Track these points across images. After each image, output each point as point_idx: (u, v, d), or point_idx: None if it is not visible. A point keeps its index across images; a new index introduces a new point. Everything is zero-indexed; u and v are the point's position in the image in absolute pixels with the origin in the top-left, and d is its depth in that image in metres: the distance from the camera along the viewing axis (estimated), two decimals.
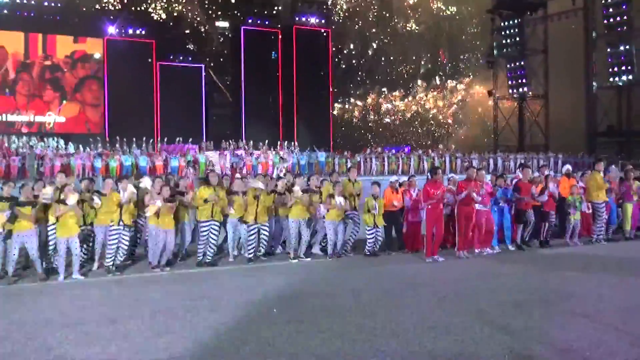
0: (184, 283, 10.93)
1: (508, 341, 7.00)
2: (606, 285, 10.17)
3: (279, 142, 38.93)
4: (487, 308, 8.54)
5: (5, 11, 38.64)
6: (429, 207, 12.72)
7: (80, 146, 32.06)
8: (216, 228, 12.54)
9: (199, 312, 8.49)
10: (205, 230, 12.44)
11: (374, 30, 65.70)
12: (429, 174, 14.26)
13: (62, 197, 11.24)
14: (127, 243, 11.95)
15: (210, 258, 12.51)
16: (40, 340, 7.25)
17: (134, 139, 32.99)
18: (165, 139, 35.94)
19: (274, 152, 34.53)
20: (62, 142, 33.66)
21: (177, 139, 36.05)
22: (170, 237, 12.07)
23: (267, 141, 35.44)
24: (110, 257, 11.73)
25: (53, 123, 39.76)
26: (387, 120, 66.42)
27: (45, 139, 33.94)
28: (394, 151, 39.09)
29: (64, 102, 40.25)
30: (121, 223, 11.76)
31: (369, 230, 13.31)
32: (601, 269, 11.73)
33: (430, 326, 7.60)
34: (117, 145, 32.23)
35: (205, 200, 12.35)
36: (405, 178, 14.97)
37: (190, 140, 36.46)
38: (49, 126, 39.57)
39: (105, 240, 11.89)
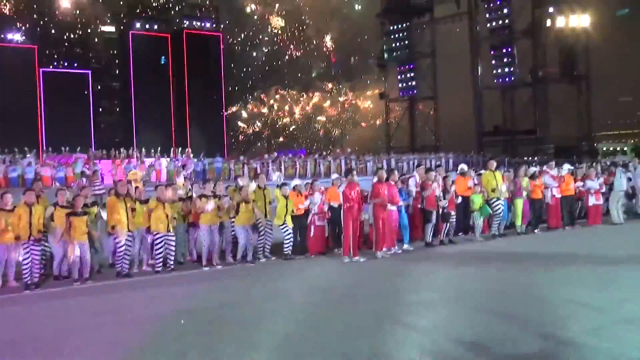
0: (93, 295, 10.46)
1: (419, 339, 7.00)
2: (507, 280, 10.43)
3: (172, 149, 38.03)
4: (395, 308, 8.51)
5: None
6: (347, 207, 12.76)
7: None
8: (130, 239, 12.11)
9: (105, 327, 8.05)
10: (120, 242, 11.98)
11: (263, 34, 65.61)
12: (344, 176, 14.31)
13: None
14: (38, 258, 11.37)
15: (126, 269, 12.07)
16: None
17: (16, 150, 31.33)
18: (50, 149, 34.32)
19: (167, 160, 33.64)
20: None
21: (63, 148, 34.50)
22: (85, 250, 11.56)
23: (159, 148, 34.51)
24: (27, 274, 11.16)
25: None
26: (282, 123, 66.44)
27: None
28: (290, 155, 38.98)
29: None
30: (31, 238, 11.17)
31: (280, 229, 13.27)
32: (501, 264, 12.03)
33: (340, 330, 7.50)
34: (1, 157, 30.48)
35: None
36: (302, 182, 14.92)
37: (79, 149, 34.98)
38: None
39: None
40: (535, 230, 16.72)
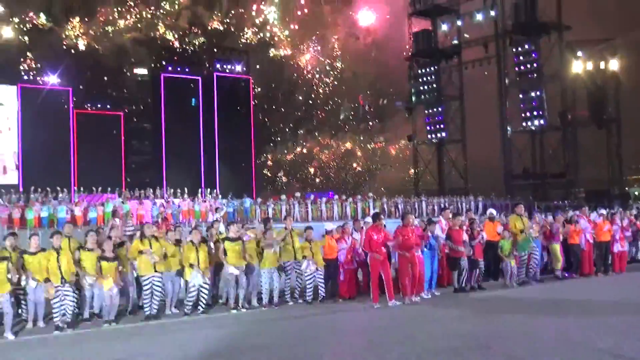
0: (122, 338, 10.47)
1: None
2: (539, 326, 10.25)
3: (200, 190, 38.33)
4: (423, 354, 8.39)
5: None
6: (373, 252, 12.67)
7: None
8: (159, 281, 12.10)
9: None
10: (148, 284, 11.98)
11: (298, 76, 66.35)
12: (371, 219, 14.20)
13: None
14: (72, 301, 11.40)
15: (155, 311, 12.06)
16: None
17: (48, 189, 31.85)
18: (82, 189, 34.80)
19: (196, 201, 33.90)
20: None
21: (95, 188, 34.96)
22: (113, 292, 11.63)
23: (188, 189, 34.84)
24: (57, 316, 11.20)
25: None
26: (310, 164, 66.68)
27: None
28: (318, 197, 38.89)
29: None
30: (64, 282, 11.22)
31: (307, 275, 13.18)
32: (532, 311, 11.84)
33: None
34: (33, 196, 30.95)
35: (141, 252, 11.92)
36: (335, 225, 14.89)
37: (110, 189, 35.42)
38: None
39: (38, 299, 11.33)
40: (569, 275, 16.49)
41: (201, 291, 12.35)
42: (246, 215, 32.85)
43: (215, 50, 51.92)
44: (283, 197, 35.98)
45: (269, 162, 63.57)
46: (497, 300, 13.40)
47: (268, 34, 63.06)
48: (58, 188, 32.46)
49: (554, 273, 16.26)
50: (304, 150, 66.44)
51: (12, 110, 39.22)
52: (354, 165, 68.42)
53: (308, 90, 66.77)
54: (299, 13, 64.91)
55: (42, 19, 48.65)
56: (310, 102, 67.01)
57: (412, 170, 56.91)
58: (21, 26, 45.33)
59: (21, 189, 35.02)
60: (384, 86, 67.77)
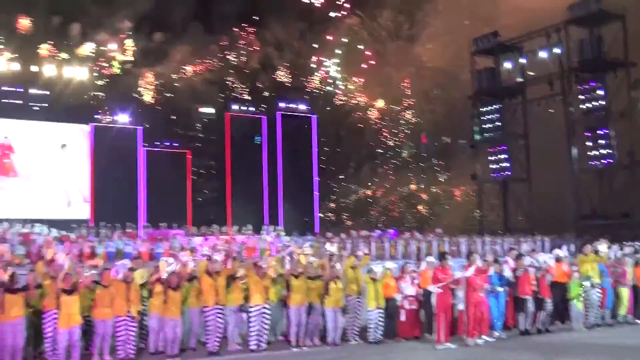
0: None
1: None
2: None
3: (263, 227, 38.79)
4: None
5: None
6: (440, 292, 12.63)
7: (65, 232, 31.68)
8: (221, 315, 12.33)
9: None
10: (211, 317, 12.20)
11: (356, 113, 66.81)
12: (433, 258, 14.19)
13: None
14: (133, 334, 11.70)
15: (216, 347, 12.22)
16: None
17: (117, 225, 32.81)
18: (149, 224, 35.66)
19: (259, 237, 34.33)
20: (45, 228, 33.21)
21: (161, 224, 35.81)
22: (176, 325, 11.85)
23: (252, 225, 35.31)
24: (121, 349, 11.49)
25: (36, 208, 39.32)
26: (373, 202, 66.59)
27: (30, 225, 33.49)
28: (381, 235, 38.83)
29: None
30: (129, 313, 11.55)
31: (370, 314, 13.17)
32: (599, 356, 11.56)
33: None
34: (103, 231, 31.94)
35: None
36: (395, 264, 14.90)
37: (175, 225, 36.22)
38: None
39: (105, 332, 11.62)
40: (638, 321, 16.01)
41: (262, 323, 12.44)
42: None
43: (280, 89, 52.94)
44: (343, 235, 36.05)
45: (332, 204, 63.84)
46: (564, 344, 13.14)
47: (330, 87, 64.13)
48: (127, 224, 33.44)
49: (625, 317, 15.80)
50: (367, 191, 66.50)
51: (80, 149, 40.75)
52: (418, 204, 68.01)
53: (371, 129, 67.15)
54: (364, 66, 65.67)
55: (116, 66, 50.78)
56: (373, 143, 67.32)
57: (476, 210, 56.16)
58: (95, 69, 47.11)
59: (92, 224, 36.20)
60: (446, 124, 67.50)
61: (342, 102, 64.80)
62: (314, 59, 62.63)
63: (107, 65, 50.84)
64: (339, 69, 65.18)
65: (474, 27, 54.69)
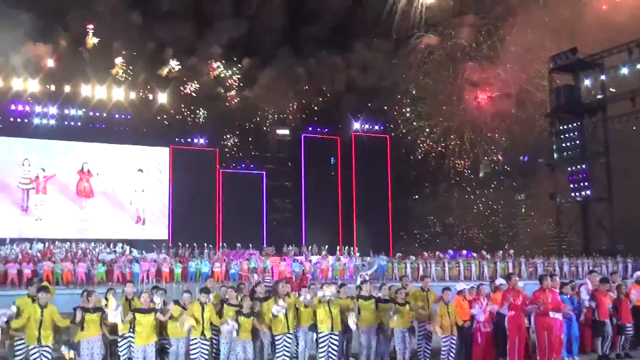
0: None
1: None
2: None
3: (338, 247, 38.95)
4: None
5: (79, 123, 40.58)
6: (511, 315, 12.43)
7: (144, 252, 32.65)
8: (290, 338, 12.42)
9: None
10: (280, 343, 12.34)
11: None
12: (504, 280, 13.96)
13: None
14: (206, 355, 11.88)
15: None
16: None
17: (195, 245, 33.65)
18: (225, 245, 36.41)
19: (333, 258, 34.46)
20: (127, 248, 34.31)
21: (237, 244, 36.42)
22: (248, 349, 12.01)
23: (326, 246, 35.55)
24: None
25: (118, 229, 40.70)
26: (448, 222, 65.82)
27: (111, 245, 34.68)
28: (451, 255, 38.29)
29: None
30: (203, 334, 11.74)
31: (443, 339, 13.00)
32: None
33: None
34: (181, 251, 32.77)
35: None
36: (468, 285, 14.69)
37: (251, 246, 36.82)
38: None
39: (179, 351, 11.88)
40: None
41: (331, 344, 12.44)
42: (382, 273, 32.98)
43: (353, 108, 53.18)
44: (416, 256, 35.84)
45: (406, 224, 63.46)
46: None
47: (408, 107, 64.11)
48: (205, 244, 34.25)
49: None
50: (443, 211, 65.76)
51: (159, 171, 42.04)
52: (493, 224, 66.82)
53: (447, 148, 66.52)
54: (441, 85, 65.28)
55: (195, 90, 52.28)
56: (449, 162, 66.65)
57: (554, 230, 54.75)
58: (174, 93, 48.45)
59: (170, 244, 37.21)
60: (524, 143, 66.26)
61: (419, 123, 64.49)
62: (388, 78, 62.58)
63: (188, 89, 52.27)
64: (414, 87, 64.90)
65: (553, 44, 53.64)
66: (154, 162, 42.27)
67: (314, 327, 12.80)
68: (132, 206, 41.48)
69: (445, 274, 34.28)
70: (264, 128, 54.39)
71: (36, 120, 39.83)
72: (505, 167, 68.78)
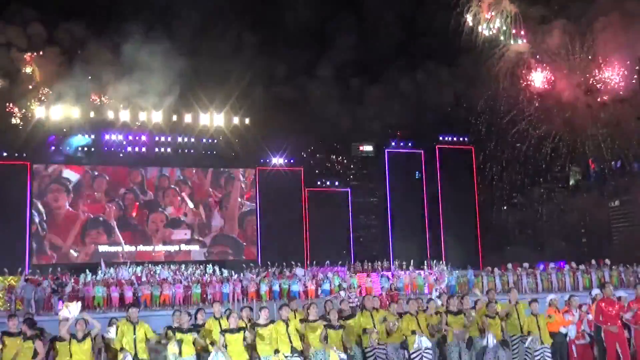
0: None
1: None
2: None
3: (425, 262, 38.54)
4: None
5: (169, 149, 41.72)
6: (606, 327, 11.98)
7: (233, 272, 33.13)
8: (383, 352, 12.40)
9: None
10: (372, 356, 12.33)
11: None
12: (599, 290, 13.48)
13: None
14: None
15: None
16: None
17: (284, 264, 34.05)
18: (315, 262, 36.61)
19: (421, 273, 34.15)
20: (217, 268, 34.88)
21: (326, 262, 36.57)
22: None
23: (412, 261, 35.29)
24: None
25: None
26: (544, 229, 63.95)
27: (202, 266, 35.38)
28: (545, 266, 37.10)
29: None
30: (294, 351, 11.80)
31: (536, 352, 12.63)
32: None
33: None
34: (270, 270, 33.13)
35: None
36: (559, 296, 14.27)
37: (339, 262, 36.91)
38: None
39: None
40: None
41: (424, 357, 12.32)
42: (470, 287, 32.41)
43: (436, 120, 52.60)
44: (509, 266, 34.99)
45: (496, 236, 62.14)
46: None
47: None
48: (292, 262, 34.59)
49: None
50: (534, 220, 64.04)
51: (243, 192, 42.75)
52: (587, 232, 64.48)
53: (537, 155, 64.87)
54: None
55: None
56: (539, 169, 64.98)
57: None
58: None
59: (259, 263, 37.74)
60: (617, 147, 63.90)
61: (509, 130, 63.15)
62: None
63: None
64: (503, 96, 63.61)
65: None
66: (242, 183, 42.99)
67: (404, 345, 12.74)
68: (222, 228, 42.23)
69: (538, 286, 33.38)
70: (349, 145, 54.38)
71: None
72: (597, 172, 66.45)
